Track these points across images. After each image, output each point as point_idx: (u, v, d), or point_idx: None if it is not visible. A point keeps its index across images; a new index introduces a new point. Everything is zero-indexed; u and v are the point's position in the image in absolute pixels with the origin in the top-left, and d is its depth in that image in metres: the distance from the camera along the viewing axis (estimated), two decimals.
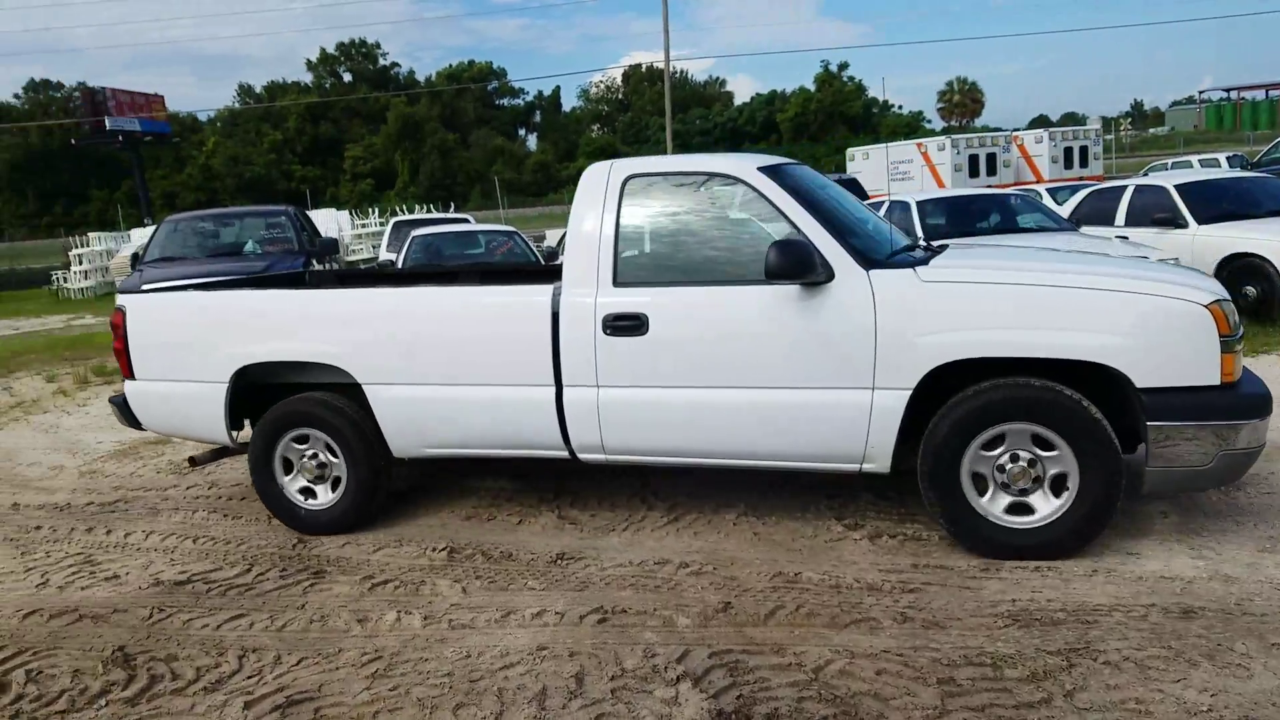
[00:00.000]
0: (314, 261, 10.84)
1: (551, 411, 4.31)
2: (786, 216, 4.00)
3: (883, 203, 11.12)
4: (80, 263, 25.09)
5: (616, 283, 4.18)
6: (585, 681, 3.18)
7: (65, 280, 25.13)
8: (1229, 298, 3.78)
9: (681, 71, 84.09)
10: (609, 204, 4.26)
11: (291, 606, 3.97)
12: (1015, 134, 27.39)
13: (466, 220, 15.70)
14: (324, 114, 79.78)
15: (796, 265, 3.78)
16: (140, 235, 24.28)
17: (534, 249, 11.44)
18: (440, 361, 4.44)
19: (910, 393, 3.81)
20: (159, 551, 4.77)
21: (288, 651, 3.56)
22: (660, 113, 59.62)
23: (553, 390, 4.29)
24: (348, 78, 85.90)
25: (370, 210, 31.77)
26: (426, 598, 3.98)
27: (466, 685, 3.20)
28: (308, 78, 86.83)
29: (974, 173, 24.00)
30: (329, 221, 23.98)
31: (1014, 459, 3.79)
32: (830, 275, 3.86)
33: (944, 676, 3.06)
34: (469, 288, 4.74)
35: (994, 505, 3.86)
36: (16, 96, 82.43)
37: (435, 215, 20.25)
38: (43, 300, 24.66)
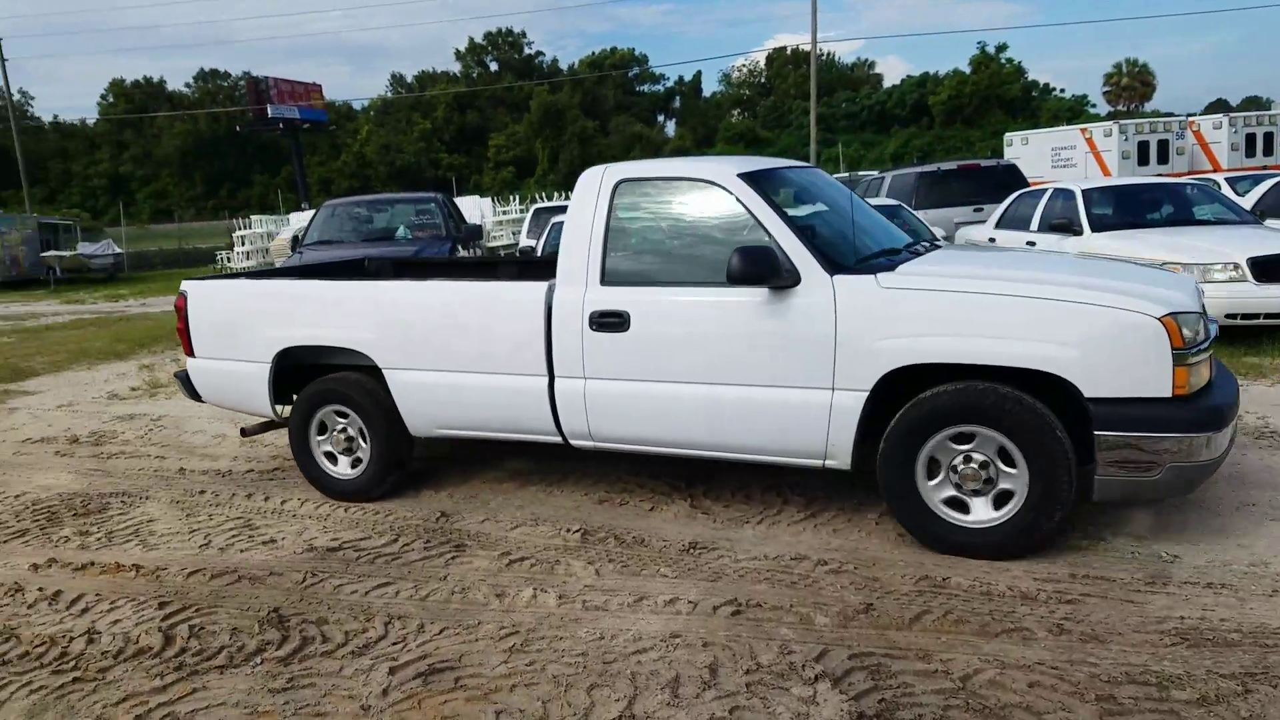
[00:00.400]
0: (459, 247, 11.22)
1: (545, 400, 4.63)
2: (759, 222, 4.18)
3: (1044, 190, 10.59)
4: (243, 244, 26.86)
5: (604, 281, 4.45)
6: (719, 673, 3.17)
7: (229, 260, 27.00)
8: (1194, 310, 3.78)
9: (828, 54, 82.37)
10: (600, 206, 4.53)
11: (434, 578, 4.14)
12: (1190, 119, 25.47)
13: None
14: (470, 103, 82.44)
15: (757, 270, 3.98)
16: (298, 219, 25.80)
17: None
18: (448, 350, 4.81)
19: (868, 394, 3.96)
20: (312, 519, 5.05)
21: (430, 620, 3.70)
22: (804, 96, 58.68)
23: (546, 380, 4.61)
24: (494, 67, 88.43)
25: (511, 197, 32.63)
26: (561, 577, 4.07)
27: (600, 666, 3.25)
28: (456, 67, 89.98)
29: (1143, 160, 22.48)
30: (472, 208, 24.75)
31: (967, 460, 3.90)
32: (796, 280, 4.04)
33: (1103, 693, 2.89)
34: (472, 282, 4.96)
35: (944, 502, 4.00)
36: (187, 85, 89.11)
37: None
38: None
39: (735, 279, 4.01)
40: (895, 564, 3.99)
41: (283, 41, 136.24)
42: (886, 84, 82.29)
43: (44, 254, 27.77)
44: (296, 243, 12.10)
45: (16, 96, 68.60)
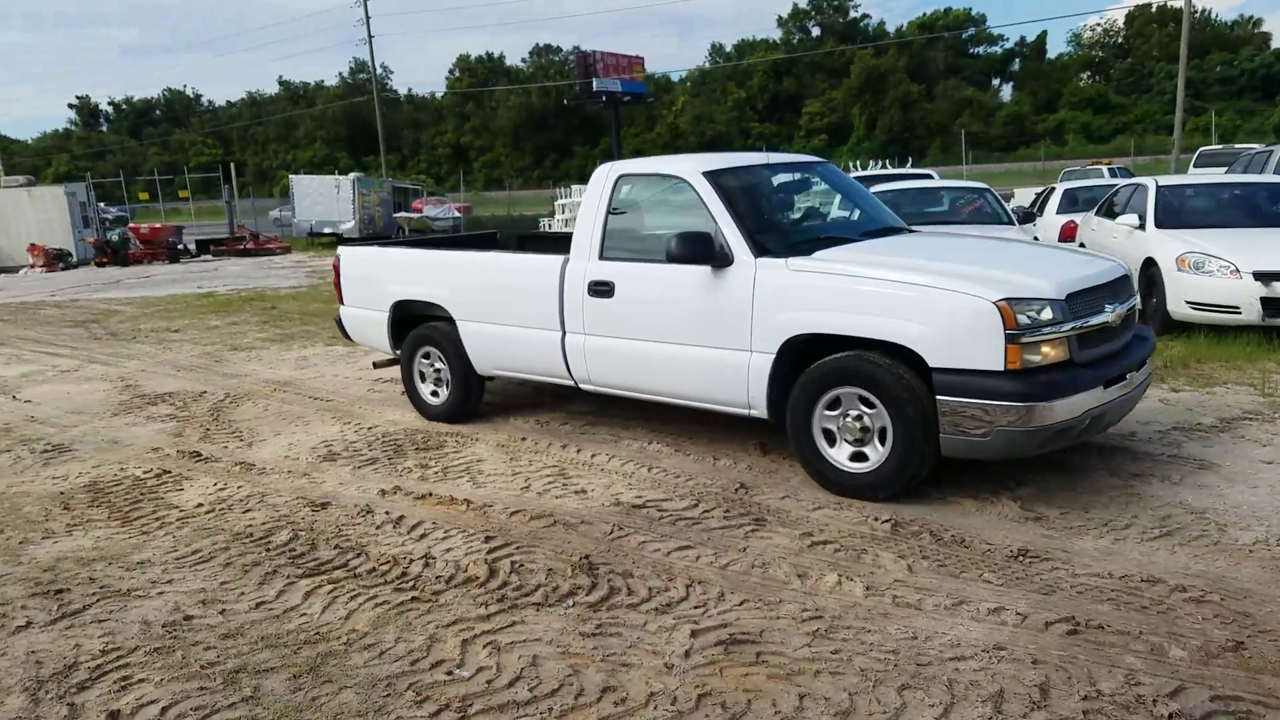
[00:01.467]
0: None
1: (559, 350, 5.80)
2: (709, 212, 5.12)
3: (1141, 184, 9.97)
4: (563, 211, 28.84)
5: (601, 257, 5.55)
6: (1050, 694, 2.90)
7: (549, 227, 29.09)
8: (1046, 296, 4.27)
9: (1203, 11, 72.64)
10: (604, 195, 5.61)
11: (734, 548, 4.17)
12: None
13: (930, 176, 15.16)
14: (788, 70, 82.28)
15: (690, 251, 4.93)
16: None
17: (1007, 208, 10.67)
18: (495, 306, 6.13)
19: (774, 357, 4.85)
20: (619, 475, 5.30)
21: (730, 590, 3.74)
22: (1169, 58, 52.32)
23: (560, 334, 5.77)
24: (815, 32, 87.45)
25: None
26: (868, 567, 3.94)
27: (913, 668, 3.10)
28: (776, 34, 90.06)
29: None
30: None
31: (848, 416, 4.69)
32: (729, 261, 4.97)
33: None
34: (512, 254, 6.55)
35: (839, 454, 4.77)
36: (523, 60, 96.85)
37: (896, 171, 19.86)
38: None
39: (671, 258, 4.98)
40: (1274, 599, 3.44)
41: (612, 16, 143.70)
42: (1275, 44, 71.09)
43: (396, 215, 31.55)
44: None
45: (379, 71, 78.18)
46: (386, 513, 4.82)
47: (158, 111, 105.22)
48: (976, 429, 4.27)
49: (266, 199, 45.28)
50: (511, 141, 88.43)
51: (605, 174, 5.69)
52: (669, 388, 5.42)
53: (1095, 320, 4.48)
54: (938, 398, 4.32)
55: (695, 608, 3.61)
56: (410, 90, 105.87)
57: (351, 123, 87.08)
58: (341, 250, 7.25)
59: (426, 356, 6.67)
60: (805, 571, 3.90)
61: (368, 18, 49.58)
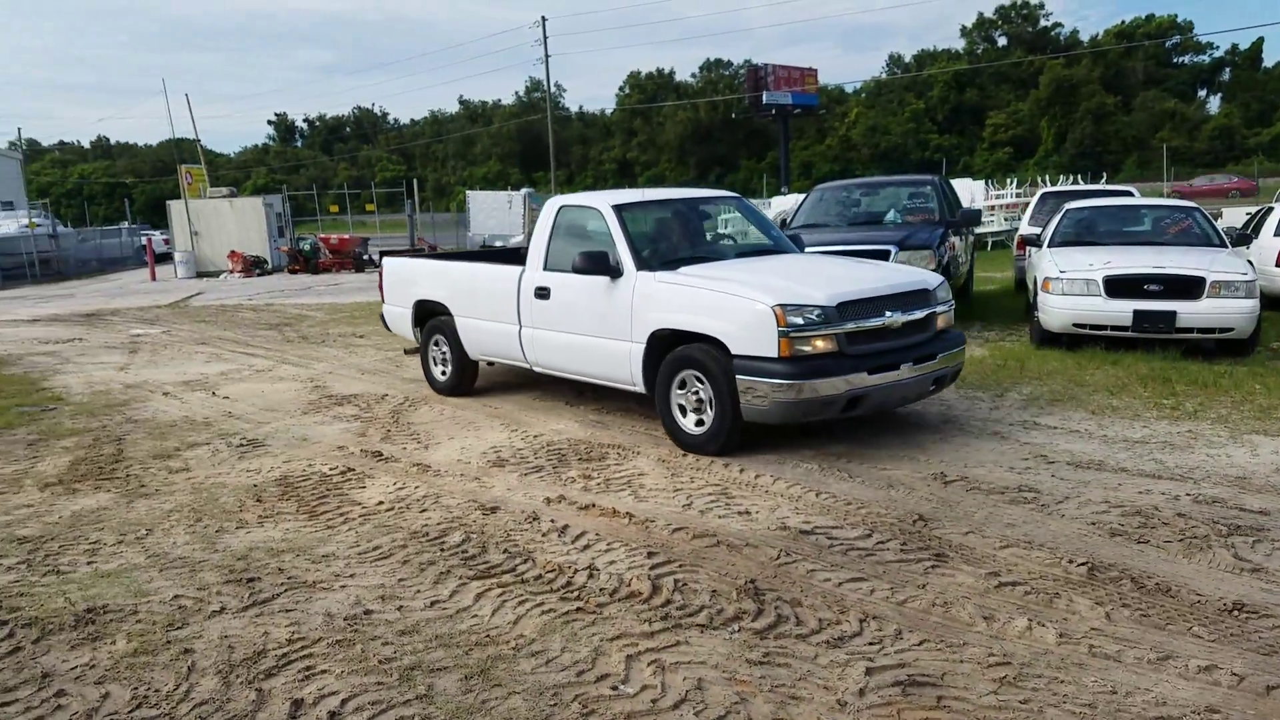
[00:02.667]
0: (950, 233, 10.79)
1: (517, 340, 7.46)
2: (610, 236, 6.73)
3: None
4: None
5: (545, 268, 7.20)
6: None
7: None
8: (815, 303, 5.71)
9: None
10: (549, 220, 7.33)
11: (912, 584, 4.00)
12: None
13: (1129, 193, 14.21)
14: (971, 80, 79.44)
15: (589, 266, 6.52)
16: (779, 203, 27.05)
17: (1218, 229, 9.85)
18: (476, 305, 7.88)
19: (644, 346, 6.36)
20: (784, 497, 5.21)
21: (909, 629, 3.58)
22: None
23: (517, 328, 7.43)
24: (1002, 41, 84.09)
25: (1007, 180, 30.75)
26: (1061, 613, 3.69)
27: None
28: (959, 44, 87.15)
29: None
30: (963, 192, 23.83)
31: (689, 391, 6.17)
32: (621, 273, 6.53)
33: None
34: (487, 264, 8.12)
35: (688, 422, 6.23)
36: (693, 75, 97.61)
37: (1092, 187, 18.77)
38: None
39: (577, 270, 6.63)
40: None
41: (784, 28, 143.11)
42: None
43: None
44: (784, 226, 12.61)
45: (552, 89, 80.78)
46: (552, 521, 4.92)
47: (348, 129, 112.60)
48: (760, 400, 5.72)
49: (443, 213, 47.55)
50: (677, 156, 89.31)
51: (551, 204, 7.45)
52: (584, 369, 7.05)
53: (870, 323, 5.87)
54: (737, 377, 5.79)
55: (870, 644, 3.48)
56: (581, 107, 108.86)
57: (524, 139, 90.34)
58: (385, 260, 9.18)
59: (437, 344, 8.42)
60: (991, 613, 3.70)
61: (545, 38, 51.47)
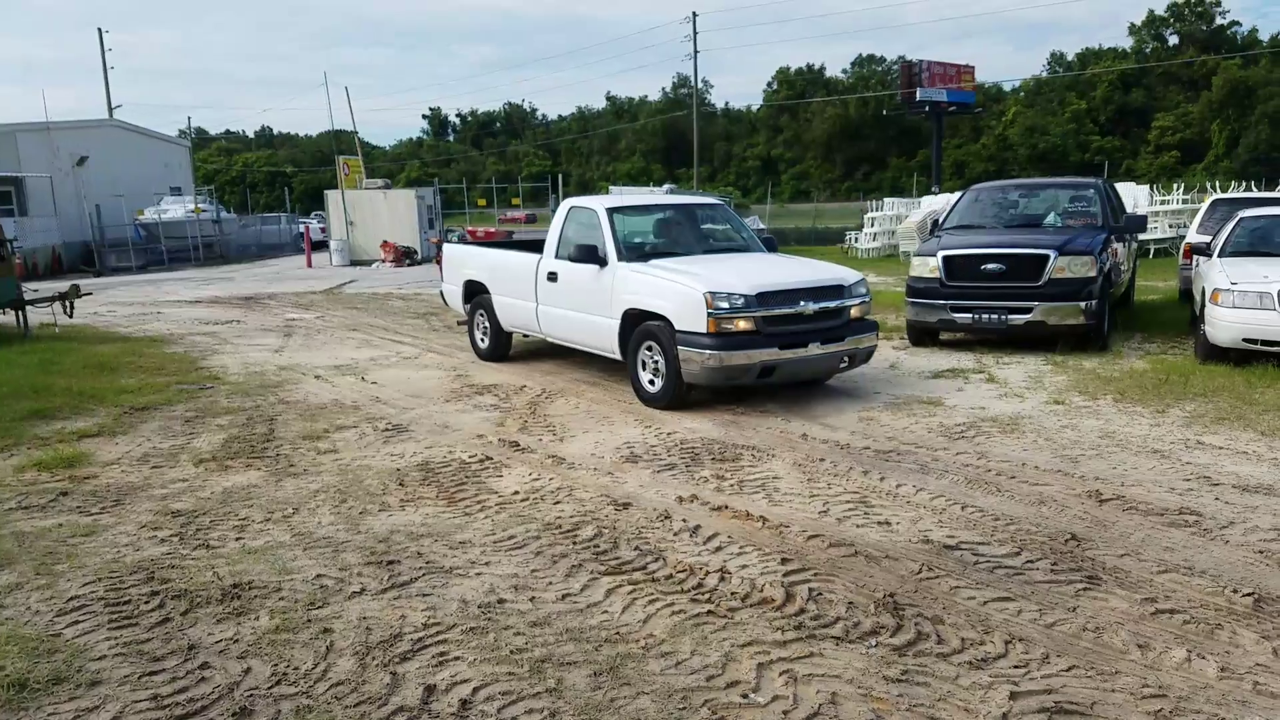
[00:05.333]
0: (1113, 238, 10.21)
1: (534, 314, 9.09)
2: (601, 232, 8.31)
3: None
4: (871, 225, 28.09)
5: (556, 257, 8.81)
6: None
7: (855, 240, 28.46)
8: (735, 292, 7.21)
9: None
10: (561, 217, 8.99)
11: (1062, 606, 3.79)
12: None
13: None
14: (1137, 80, 75.02)
15: (582, 256, 8.18)
16: (929, 202, 26.15)
17: None
18: (507, 284, 9.60)
19: (619, 322, 7.97)
20: (927, 510, 5.02)
21: (1057, 653, 3.39)
22: None
23: (534, 304, 9.07)
24: (1173, 40, 79.03)
25: (1173, 185, 28.83)
26: (1224, 645, 3.43)
27: None
28: (1126, 43, 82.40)
29: None
30: (1126, 196, 22.46)
31: (649, 356, 7.76)
32: (606, 263, 8.13)
33: None
34: (516, 252, 9.97)
35: (648, 384, 7.82)
36: (844, 71, 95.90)
37: (1268, 195, 17.39)
38: (832, 257, 28.14)
39: (573, 259, 8.32)
40: None
41: (945, 25, 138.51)
42: None
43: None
44: (935, 226, 12.18)
45: (699, 85, 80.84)
46: (684, 520, 4.90)
47: (498, 124, 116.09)
48: (694, 366, 7.20)
49: None
50: (823, 153, 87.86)
51: (565, 205, 9.16)
52: (581, 339, 8.66)
53: (785, 310, 7.35)
54: (679, 348, 7.27)
55: (1015, 667, 3.31)
56: (727, 104, 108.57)
57: (668, 135, 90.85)
58: (445, 247, 11.54)
59: (480, 316, 10.19)
60: (1147, 642, 3.47)
61: (695, 34, 51.57)
